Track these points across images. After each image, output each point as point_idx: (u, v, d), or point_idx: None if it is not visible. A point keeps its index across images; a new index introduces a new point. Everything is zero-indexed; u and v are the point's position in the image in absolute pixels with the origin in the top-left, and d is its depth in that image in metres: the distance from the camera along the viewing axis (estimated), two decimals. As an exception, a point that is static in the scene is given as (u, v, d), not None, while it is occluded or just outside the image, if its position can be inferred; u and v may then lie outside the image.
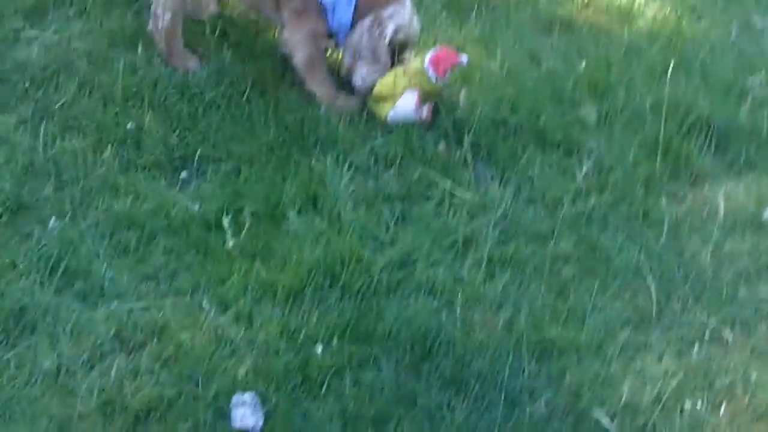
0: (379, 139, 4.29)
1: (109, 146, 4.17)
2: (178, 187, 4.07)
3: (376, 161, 4.22)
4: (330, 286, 3.67)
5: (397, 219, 4.00)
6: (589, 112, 4.45)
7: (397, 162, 4.22)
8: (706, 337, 3.62)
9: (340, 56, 4.64)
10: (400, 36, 4.38)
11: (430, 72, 4.29)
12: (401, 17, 4.35)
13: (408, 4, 4.41)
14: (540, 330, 3.57)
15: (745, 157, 4.41)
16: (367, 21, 4.34)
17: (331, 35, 4.49)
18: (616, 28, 5.24)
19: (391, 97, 4.35)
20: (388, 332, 3.49)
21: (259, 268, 3.69)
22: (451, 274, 3.76)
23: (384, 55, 4.37)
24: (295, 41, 4.45)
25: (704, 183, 4.29)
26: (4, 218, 3.84)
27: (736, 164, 4.39)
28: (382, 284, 3.68)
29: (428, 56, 4.32)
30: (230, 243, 3.78)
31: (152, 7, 4.62)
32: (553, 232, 3.98)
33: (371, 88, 4.40)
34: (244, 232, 3.84)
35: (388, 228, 3.94)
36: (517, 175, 4.22)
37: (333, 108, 4.44)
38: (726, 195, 4.20)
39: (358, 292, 3.65)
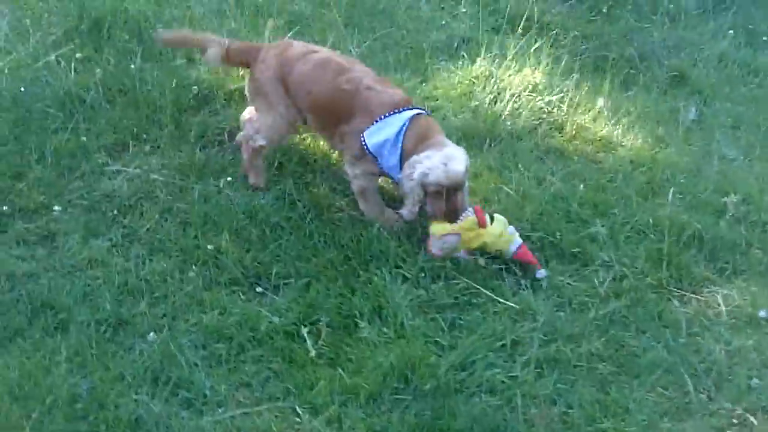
0: (425, 255, 4.12)
1: (193, 266, 3.96)
2: (256, 302, 3.87)
3: (424, 274, 4.02)
4: (404, 389, 3.46)
5: (451, 325, 3.80)
6: (599, 229, 4.36)
7: (443, 274, 4.07)
8: (735, 422, 3.48)
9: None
10: (431, 179, 4.00)
11: (511, 251, 4.09)
12: (431, 161, 4.00)
13: (445, 148, 4.07)
14: (593, 422, 3.39)
15: (732, 265, 4.31)
16: (405, 165, 4.11)
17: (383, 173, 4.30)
18: (601, 155, 5.15)
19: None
20: (462, 430, 3.31)
21: (341, 374, 3.49)
22: (506, 374, 3.57)
23: (417, 194, 4.05)
24: (353, 175, 4.30)
25: (703, 288, 4.16)
26: (108, 334, 3.60)
27: (726, 271, 4.27)
28: (449, 385, 3.48)
29: (516, 245, 4.09)
30: (312, 352, 3.57)
31: (247, 124, 4.51)
32: (584, 334, 3.82)
33: (412, 220, 4.18)
34: (322, 341, 3.64)
35: (444, 333, 3.77)
36: (545, 284, 4.10)
37: (380, 224, 4.26)
38: (724, 298, 4.09)
39: (429, 393, 3.45)
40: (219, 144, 4.74)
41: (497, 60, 5.71)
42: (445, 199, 4.03)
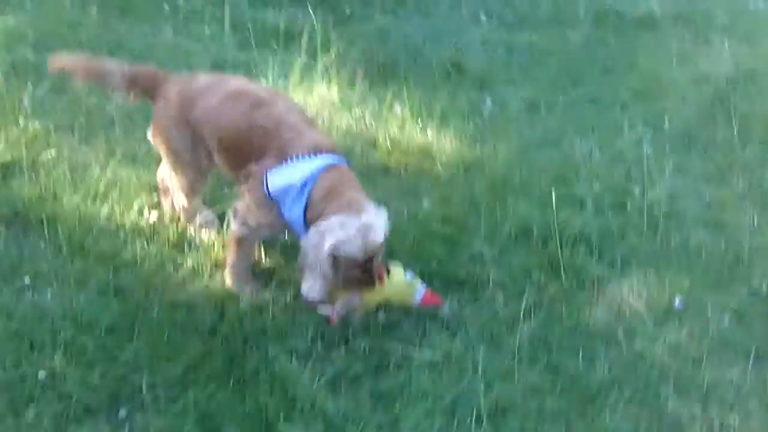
0: (306, 320, 3.47)
1: (28, 405, 3.01)
2: (129, 430, 3.02)
3: (316, 342, 3.40)
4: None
5: (374, 397, 3.20)
6: (483, 249, 3.96)
7: (336, 338, 3.45)
8: (720, 424, 3.21)
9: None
10: (346, 251, 3.32)
11: (416, 300, 3.57)
12: (344, 233, 3.31)
13: (363, 214, 3.37)
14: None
15: (619, 258, 4.04)
16: (312, 230, 3.40)
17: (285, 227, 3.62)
18: (427, 164, 4.78)
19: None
20: None
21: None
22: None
23: (326, 269, 3.35)
24: (241, 220, 3.59)
25: (604, 288, 3.87)
26: None
27: (616, 265, 4.02)
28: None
29: (420, 293, 3.57)
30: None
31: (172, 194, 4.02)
32: (516, 368, 3.41)
33: (317, 300, 3.44)
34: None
35: (373, 411, 3.13)
36: (446, 319, 3.63)
37: (235, 287, 3.65)
38: (632, 294, 3.83)
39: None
40: (-5, 234, 3.78)
41: (281, 81, 5.18)
42: (361, 269, 3.40)
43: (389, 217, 3.45)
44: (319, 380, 3.22)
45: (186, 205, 3.97)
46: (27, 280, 3.55)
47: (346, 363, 3.33)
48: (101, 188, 4.10)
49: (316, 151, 3.48)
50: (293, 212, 3.45)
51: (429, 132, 5.07)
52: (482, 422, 3.12)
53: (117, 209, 4.02)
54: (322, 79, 5.26)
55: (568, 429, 3.16)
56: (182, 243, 3.93)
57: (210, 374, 3.21)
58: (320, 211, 3.40)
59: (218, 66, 5.36)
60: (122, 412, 3.07)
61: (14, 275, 3.57)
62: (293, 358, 3.30)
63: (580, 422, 3.18)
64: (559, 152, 5.05)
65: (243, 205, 3.62)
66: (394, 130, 5.03)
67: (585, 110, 5.65)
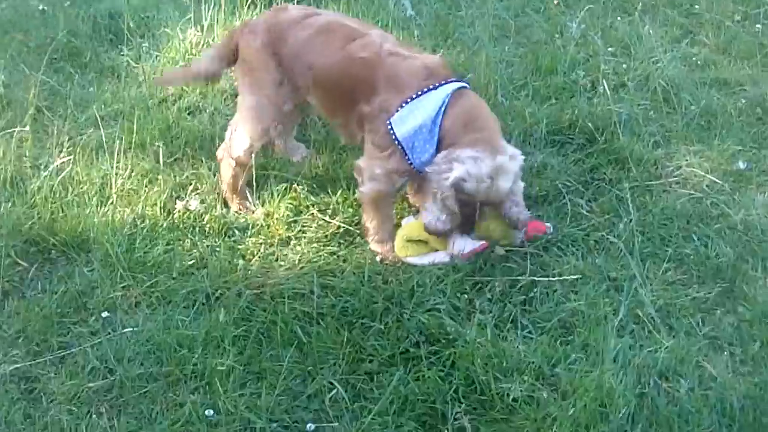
0: (425, 279, 3.43)
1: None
2: None
3: (452, 298, 3.36)
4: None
5: (548, 332, 3.27)
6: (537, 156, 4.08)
7: (468, 288, 3.44)
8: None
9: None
10: (468, 189, 3.37)
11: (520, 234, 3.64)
12: (477, 167, 3.34)
13: (498, 155, 3.37)
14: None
15: (660, 138, 4.33)
16: (440, 156, 3.40)
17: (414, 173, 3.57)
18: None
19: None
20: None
21: None
22: None
23: (450, 201, 3.39)
24: (370, 175, 3.55)
25: (667, 169, 4.14)
26: None
27: (660, 145, 4.29)
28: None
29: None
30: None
31: (227, 135, 3.98)
32: (643, 272, 3.56)
33: (441, 232, 3.49)
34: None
35: (566, 344, 3.21)
36: (550, 242, 3.72)
37: (377, 250, 3.69)
38: (696, 168, 4.12)
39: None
40: None
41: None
42: (472, 209, 3.47)
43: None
44: (483, 329, 3.23)
45: (243, 158, 3.85)
46: (105, 313, 3.31)
47: (497, 308, 3.37)
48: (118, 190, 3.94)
49: (433, 76, 3.49)
50: (424, 155, 3.45)
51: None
52: (654, 322, 3.28)
53: (148, 210, 3.83)
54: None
55: (722, 317, 3.40)
56: (230, 228, 3.81)
57: (385, 361, 3.16)
58: (454, 139, 3.41)
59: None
60: (310, 426, 2.95)
61: (88, 312, 3.32)
62: (454, 320, 3.30)
63: (730, 305, 3.44)
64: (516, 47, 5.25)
65: (366, 158, 3.61)
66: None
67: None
